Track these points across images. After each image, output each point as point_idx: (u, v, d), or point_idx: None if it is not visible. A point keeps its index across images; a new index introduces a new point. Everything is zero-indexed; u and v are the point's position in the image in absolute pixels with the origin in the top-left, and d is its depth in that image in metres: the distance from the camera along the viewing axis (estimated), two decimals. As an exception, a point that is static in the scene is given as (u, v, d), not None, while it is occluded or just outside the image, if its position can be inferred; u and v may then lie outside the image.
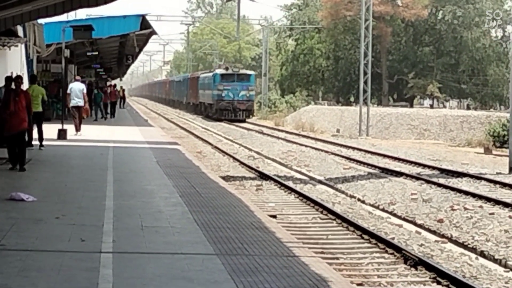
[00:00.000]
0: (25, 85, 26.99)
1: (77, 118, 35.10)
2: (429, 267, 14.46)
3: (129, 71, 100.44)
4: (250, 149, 42.50)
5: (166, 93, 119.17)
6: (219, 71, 75.56)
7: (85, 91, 38.08)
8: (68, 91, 35.78)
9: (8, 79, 19.39)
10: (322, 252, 14.98)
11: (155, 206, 16.50)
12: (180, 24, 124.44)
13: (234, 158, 36.90)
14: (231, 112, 65.09)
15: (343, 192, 26.38)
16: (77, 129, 34.75)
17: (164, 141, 36.40)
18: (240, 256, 11.56)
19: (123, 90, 75.28)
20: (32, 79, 29.09)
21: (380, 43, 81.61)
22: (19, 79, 19.31)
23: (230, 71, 72.96)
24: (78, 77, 38.65)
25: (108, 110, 58.35)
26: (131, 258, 11.20)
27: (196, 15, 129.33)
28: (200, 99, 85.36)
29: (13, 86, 20.11)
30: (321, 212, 21.14)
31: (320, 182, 29.04)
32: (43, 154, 26.32)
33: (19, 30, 30.77)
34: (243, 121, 67.65)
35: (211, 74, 76.34)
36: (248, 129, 62.75)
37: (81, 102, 36.23)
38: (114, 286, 9.46)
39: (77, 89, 35.43)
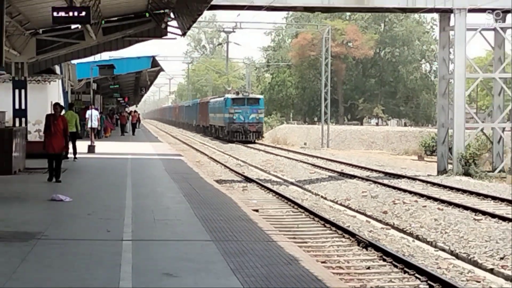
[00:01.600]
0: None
1: (92, 135, 35.01)
2: (377, 248, 14.58)
3: (142, 99, 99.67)
4: (237, 159, 42.65)
5: (175, 117, 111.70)
6: (230, 95, 63.17)
7: (98, 116, 39.11)
8: (87, 116, 35.89)
9: (54, 108, 19.30)
10: (294, 238, 15.12)
11: (164, 204, 16.59)
12: (181, 63, 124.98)
13: (225, 165, 36.97)
14: (242, 134, 54.67)
15: (309, 191, 26.66)
16: (92, 142, 34.42)
17: (170, 153, 36.40)
18: (231, 242, 11.67)
19: (138, 114, 74.03)
20: (69, 107, 29.30)
21: (336, 76, 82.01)
22: (57, 106, 19.02)
23: (240, 96, 61.80)
24: (93, 106, 38.96)
25: (127, 129, 58.67)
26: (146, 244, 11.35)
27: (193, 56, 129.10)
28: (210, 121, 72.17)
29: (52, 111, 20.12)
30: (293, 207, 21.18)
31: (292, 183, 29.32)
32: (76, 165, 26.43)
33: (57, 68, 30.92)
34: (253, 142, 57.41)
35: (222, 98, 64.47)
36: (235, 143, 59.12)
37: (95, 125, 36.96)
38: (133, 265, 9.55)
39: (94, 115, 35.80)
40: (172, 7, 23.68)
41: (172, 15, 25.14)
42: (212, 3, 21.14)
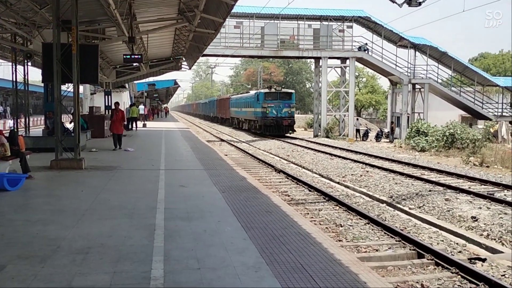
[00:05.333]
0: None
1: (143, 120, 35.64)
2: (284, 173, 14.73)
3: (170, 101, 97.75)
4: (216, 130, 42.19)
5: (193, 110, 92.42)
6: (263, 90, 38.90)
7: (145, 109, 41.03)
8: (140, 108, 36.93)
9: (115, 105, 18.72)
10: (244, 168, 14.73)
11: (180, 152, 16.58)
12: (189, 83, 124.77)
13: (210, 133, 36.22)
14: (275, 128, 34.69)
15: (252, 146, 26.09)
16: (144, 122, 35.10)
17: (184, 128, 36.01)
18: (213, 170, 12.02)
19: (167, 108, 74.25)
20: (133, 104, 30.30)
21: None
22: (116, 104, 18.05)
23: (273, 90, 38.22)
24: (144, 104, 41.48)
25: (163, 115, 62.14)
26: (171, 172, 11.64)
27: (196, 79, 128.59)
28: (232, 114, 46.53)
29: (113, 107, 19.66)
30: (245, 153, 21.02)
31: (242, 142, 28.85)
32: (137, 133, 25.89)
33: (127, 85, 33.58)
34: (286, 136, 35.10)
35: (252, 93, 40.14)
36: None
37: (143, 112, 37.75)
38: (165, 181, 10.02)
39: (141, 108, 36.65)
40: (184, 55, 26.18)
41: (184, 59, 27.43)
42: (204, 53, 23.31)
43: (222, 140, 29.02)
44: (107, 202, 7.94)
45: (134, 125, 28.22)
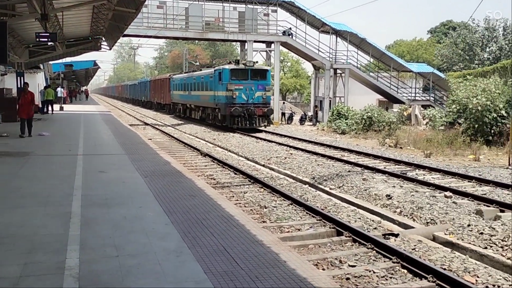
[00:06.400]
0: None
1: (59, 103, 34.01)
2: (210, 156, 14.68)
3: (89, 83, 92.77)
4: (140, 114, 41.07)
5: (119, 93, 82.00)
6: (228, 66, 25.01)
7: (63, 91, 38.72)
8: (57, 91, 35.10)
9: (24, 86, 17.08)
10: (169, 152, 14.42)
11: (100, 136, 16.18)
12: (111, 64, 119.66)
13: (134, 117, 35.42)
14: (245, 119, 23.68)
15: (178, 130, 25.93)
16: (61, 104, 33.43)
17: (106, 111, 34.94)
18: (136, 155, 11.77)
19: (87, 90, 70.58)
20: (48, 86, 28.66)
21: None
22: (25, 84, 16.38)
23: (241, 66, 24.54)
24: (61, 86, 38.94)
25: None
26: (90, 157, 11.30)
27: (118, 60, 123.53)
28: (174, 99, 35.85)
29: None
30: (171, 137, 20.78)
31: (167, 126, 28.52)
32: (52, 117, 25.10)
33: (41, 66, 30.86)
34: (259, 130, 24.48)
35: (210, 70, 27.74)
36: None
37: (61, 95, 36.24)
38: (83, 167, 9.65)
39: (60, 91, 35.23)
40: (103, 34, 24.71)
41: (103, 38, 26.00)
42: (124, 33, 22.22)
43: (146, 124, 28.41)
44: (19, 190, 7.49)
45: (50, 108, 27.16)
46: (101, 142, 14.41)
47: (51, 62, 34.81)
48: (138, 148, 13.25)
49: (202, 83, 27.67)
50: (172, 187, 7.97)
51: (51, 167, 9.81)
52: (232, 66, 24.32)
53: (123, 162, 10.49)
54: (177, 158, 13.83)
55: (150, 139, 17.79)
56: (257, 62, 25.59)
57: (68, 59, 33.29)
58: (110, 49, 29.25)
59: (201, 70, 31.24)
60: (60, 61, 34.62)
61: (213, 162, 14.11)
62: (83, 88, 70.88)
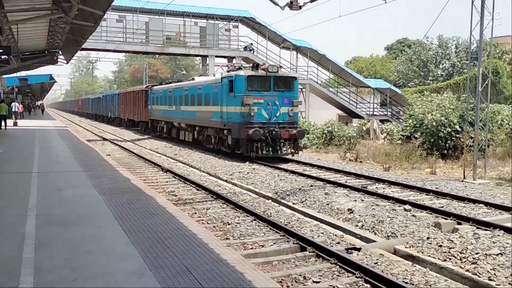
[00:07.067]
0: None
1: (14, 116, 32.97)
2: (172, 172, 14.55)
3: (45, 97, 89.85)
4: (99, 129, 40.15)
5: (78, 108, 75.17)
6: (242, 72, 17.23)
7: (18, 106, 37.82)
8: (12, 105, 34.14)
9: None
10: (129, 168, 14.48)
11: (57, 153, 15.62)
12: (68, 78, 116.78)
13: (92, 132, 34.56)
14: (267, 145, 16.53)
15: (137, 145, 25.36)
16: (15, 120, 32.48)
17: (62, 126, 33.97)
18: (94, 171, 11.51)
19: (43, 105, 68.36)
20: (1, 101, 27.78)
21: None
22: None
23: (261, 72, 16.93)
24: (16, 101, 38.05)
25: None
26: (45, 174, 10.95)
27: (75, 74, 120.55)
28: (154, 116, 28.99)
29: None
30: (130, 152, 20.48)
31: (128, 141, 27.95)
32: (6, 133, 24.34)
33: None
34: (284, 159, 17.66)
35: (216, 77, 20.31)
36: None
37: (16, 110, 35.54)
38: (38, 185, 9.34)
39: (15, 105, 34.53)
40: (60, 48, 24.07)
41: (60, 52, 25.38)
42: (82, 47, 21.89)
43: (105, 139, 27.81)
44: (-33, 211, 7.10)
45: (2, 123, 26.46)
46: (57, 159, 13.97)
47: (4, 76, 33.72)
48: (96, 164, 12.96)
49: (200, 95, 21.06)
50: (132, 205, 7.77)
51: (4, 186, 9.42)
52: (249, 72, 17.51)
53: (80, 180, 10.20)
54: (137, 175, 13.57)
55: (109, 155, 17.44)
56: (281, 66, 17.96)
57: (23, 73, 32.39)
58: (67, 63, 28.79)
59: (193, 79, 24.26)
60: (14, 75, 33.68)
61: (175, 178, 13.92)
62: (39, 103, 68.84)
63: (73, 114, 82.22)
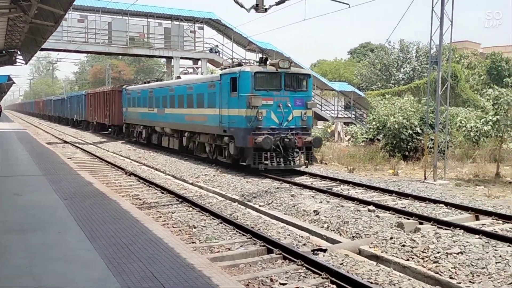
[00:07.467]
0: None
1: None
2: (136, 175, 14.27)
3: (3, 99, 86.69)
4: (59, 131, 39.05)
5: (40, 110, 71.47)
6: (250, 68, 14.16)
7: None
8: None
9: None
10: (91, 172, 14.22)
11: (14, 156, 15.17)
12: (27, 79, 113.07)
13: (52, 134, 33.56)
14: (277, 155, 13.76)
15: (100, 148, 24.89)
16: None
17: (21, 129, 32.97)
18: (54, 175, 11.29)
19: (0, 107, 65.74)
20: None
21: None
22: None
23: (270, 68, 14.05)
24: None
25: None
26: (3, 179, 10.65)
27: (35, 75, 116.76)
28: (130, 119, 25.90)
29: None
30: (92, 155, 20.07)
31: (90, 144, 27.40)
32: None
33: None
34: (297, 171, 15.00)
35: (215, 74, 17.05)
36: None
37: None
38: None
39: None
40: (19, 48, 23.17)
41: (19, 52, 24.38)
42: (42, 47, 21.24)
43: (66, 142, 27.17)
44: None
45: None
46: (16, 162, 13.60)
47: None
48: (57, 168, 12.72)
49: (190, 96, 18.22)
50: (94, 209, 7.61)
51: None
52: (256, 68, 14.81)
53: (40, 184, 9.96)
54: (100, 178, 13.36)
55: (70, 158, 17.14)
56: (292, 62, 15.62)
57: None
58: (26, 63, 27.83)
59: (179, 77, 21.55)
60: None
61: (139, 181, 13.72)
62: None
63: (33, 116, 79.41)
